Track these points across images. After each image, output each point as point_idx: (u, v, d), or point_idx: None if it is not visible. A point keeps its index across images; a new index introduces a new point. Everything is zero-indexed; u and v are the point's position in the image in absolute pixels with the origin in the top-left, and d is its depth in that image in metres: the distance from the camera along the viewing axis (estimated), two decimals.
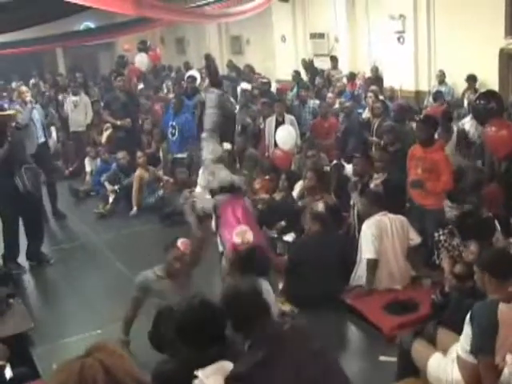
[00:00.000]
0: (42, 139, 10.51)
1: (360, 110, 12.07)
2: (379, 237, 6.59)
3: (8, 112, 8.95)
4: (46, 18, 9.29)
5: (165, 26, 20.44)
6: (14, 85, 19.03)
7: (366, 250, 6.64)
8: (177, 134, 11.33)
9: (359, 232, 6.97)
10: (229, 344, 3.52)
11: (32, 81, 19.42)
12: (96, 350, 2.23)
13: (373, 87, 12.25)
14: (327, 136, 11.08)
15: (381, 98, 11.77)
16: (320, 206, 8.04)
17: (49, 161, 11.08)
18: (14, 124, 9.02)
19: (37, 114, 10.38)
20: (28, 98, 10.28)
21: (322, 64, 15.79)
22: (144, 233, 9.82)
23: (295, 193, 8.93)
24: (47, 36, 14.43)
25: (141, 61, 15.60)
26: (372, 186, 7.64)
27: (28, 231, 8.87)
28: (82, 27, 20.62)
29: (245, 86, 14.04)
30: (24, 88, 10.91)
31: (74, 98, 13.33)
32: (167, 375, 3.45)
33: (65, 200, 11.48)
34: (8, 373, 5.20)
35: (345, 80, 14.40)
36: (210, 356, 3.39)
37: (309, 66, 14.82)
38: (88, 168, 12.54)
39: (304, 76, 15.22)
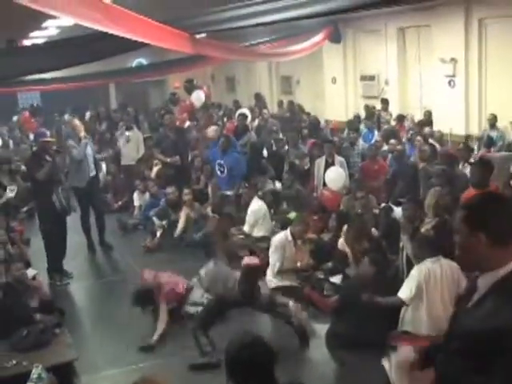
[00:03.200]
0: (93, 173, 10.75)
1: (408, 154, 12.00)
2: (422, 288, 6.43)
3: (49, 139, 9.77)
4: (106, 53, 9.52)
5: (215, 65, 20.76)
6: (66, 117, 19.48)
7: (404, 289, 6.50)
8: (225, 172, 11.40)
9: (407, 276, 6.85)
10: None
11: (88, 114, 19.79)
12: (149, 382, 2.22)
13: (426, 129, 12.18)
14: (376, 178, 11.04)
15: (430, 141, 11.67)
16: (365, 245, 8.03)
17: (98, 194, 11.29)
18: (54, 147, 9.64)
19: (89, 149, 10.62)
20: (82, 133, 10.51)
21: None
22: (188, 269, 9.80)
23: None
24: (101, 72, 14.79)
25: (197, 97, 15.75)
26: (423, 230, 7.52)
27: (55, 246, 9.64)
28: (134, 64, 21.02)
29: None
30: (77, 122, 11.12)
31: (127, 133, 13.51)
32: None
33: (113, 232, 11.63)
34: None
35: (393, 122, 14.35)
36: None
37: (371, 113, 14.82)
38: (137, 202, 12.65)
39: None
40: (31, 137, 17.03)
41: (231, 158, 11.54)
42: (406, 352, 5.51)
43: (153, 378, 2.27)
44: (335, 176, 10.30)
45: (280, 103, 19.42)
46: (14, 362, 6.00)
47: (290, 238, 8.33)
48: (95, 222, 11.03)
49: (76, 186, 10.67)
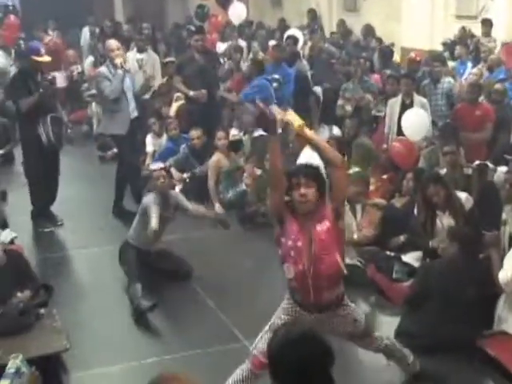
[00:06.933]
0: (135, 114, 10.68)
1: None
2: None
3: (43, 59, 9.85)
4: None
5: None
6: (50, 33, 19.42)
7: (502, 270, 6.42)
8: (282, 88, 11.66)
9: None
10: None
11: (86, 30, 19.73)
12: (170, 381, 2.22)
13: None
14: (478, 128, 10.65)
15: None
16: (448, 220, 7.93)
17: (137, 142, 11.24)
18: (48, 77, 9.93)
19: (128, 82, 10.49)
20: (119, 60, 10.28)
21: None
22: (217, 237, 9.81)
23: None
24: None
25: (236, 13, 15.57)
26: None
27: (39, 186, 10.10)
28: None
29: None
30: (114, 43, 10.76)
31: (138, 56, 13.43)
32: None
33: None
34: None
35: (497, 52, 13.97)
36: None
37: (466, 38, 14.45)
38: (149, 148, 12.55)
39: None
40: (0, 54, 16.97)
41: (286, 70, 11.98)
42: None
43: (175, 376, 2.25)
44: (417, 121, 10.10)
45: (341, 24, 19.16)
46: None
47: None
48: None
49: (114, 133, 10.72)
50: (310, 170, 5.40)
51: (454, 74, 12.88)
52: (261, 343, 5.35)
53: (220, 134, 11.14)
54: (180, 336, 7.43)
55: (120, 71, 10.19)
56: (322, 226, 5.30)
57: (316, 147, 5.48)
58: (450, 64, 13.01)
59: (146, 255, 8.37)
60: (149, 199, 8.23)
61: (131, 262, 8.23)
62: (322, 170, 5.62)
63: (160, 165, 8.82)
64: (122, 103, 10.30)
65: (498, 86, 11.39)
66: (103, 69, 10.40)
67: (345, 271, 5.42)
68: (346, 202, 8.03)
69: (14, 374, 5.33)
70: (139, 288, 7.77)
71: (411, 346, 6.42)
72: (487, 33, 14.64)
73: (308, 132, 5.47)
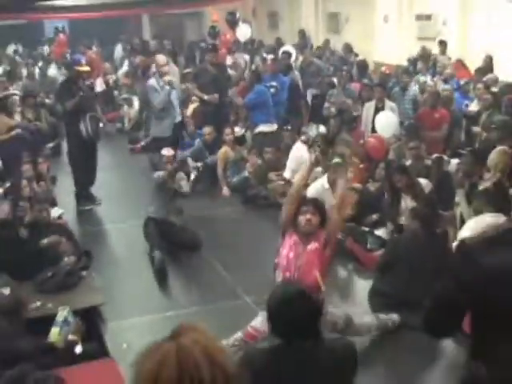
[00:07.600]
0: (179, 119, 10.78)
1: (467, 102, 11.69)
2: None
3: (83, 68, 9.83)
4: None
5: None
6: (94, 48, 19.40)
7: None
8: (278, 93, 11.66)
9: None
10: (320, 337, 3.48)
11: (119, 46, 19.69)
12: (189, 330, 2.18)
13: (489, 76, 11.83)
14: (436, 128, 10.57)
15: (493, 89, 11.33)
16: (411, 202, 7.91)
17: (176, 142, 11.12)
18: (88, 83, 10.00)
19: (174, 94, 10.52)
20: (167, 77, 10.30)
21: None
22: (224, 215, 9.83)
23: None
24: (133, 1, 14.62)
25: (242, 32, 15.53)
26: (481, 187, 7.33)
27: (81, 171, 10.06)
28: None
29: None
30: (161, 59, 10.80)
31: None
32: (256, 363, 3.43)
33: (144, 173, 11.54)
34: (78, 349, 5.27)
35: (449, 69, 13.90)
36: (302, 349, 3.39)
37: (426, 55, 14.37)
38: None
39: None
40: (53, 66, 17.07)
41: (281, 79, 11.97)
42: None
43: (193, 326, 2.21)
44: (387, 122, 10.11)
45: (326, 43, 19.09)
46: (38, 303, 6.06)
47: (326, 186, 8.17)
48: None
49: (158, 136, 10.70)
50: (317, 203, 5.57)
51: (424, 85, 12.79)
52: (255, 322, 5.40)
53: (227, 130, 11.12)
54: (193, 294, 7.50)
55: (167, 88, 10.21)
56: (312, 246, 5.35)
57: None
58: (421, 78, 12.88)
59: (164, 224, 8.36)
60: (160, 175, 8.45)
61: (152, 233, 8.26)
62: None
63: (170, 151, 8.92)
64: (168, 111, 10.38)
65: (445, 92, 11.30)
66: (153, 81, 10.39)
67: (322, 287, 5.35)
68: (331, 191, 8.05)
69: (62, 323, 5.36)
70: (157, 254, 7.82)
71: (382, 303, 6.45)
72: (443, 51, 14.59)
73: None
